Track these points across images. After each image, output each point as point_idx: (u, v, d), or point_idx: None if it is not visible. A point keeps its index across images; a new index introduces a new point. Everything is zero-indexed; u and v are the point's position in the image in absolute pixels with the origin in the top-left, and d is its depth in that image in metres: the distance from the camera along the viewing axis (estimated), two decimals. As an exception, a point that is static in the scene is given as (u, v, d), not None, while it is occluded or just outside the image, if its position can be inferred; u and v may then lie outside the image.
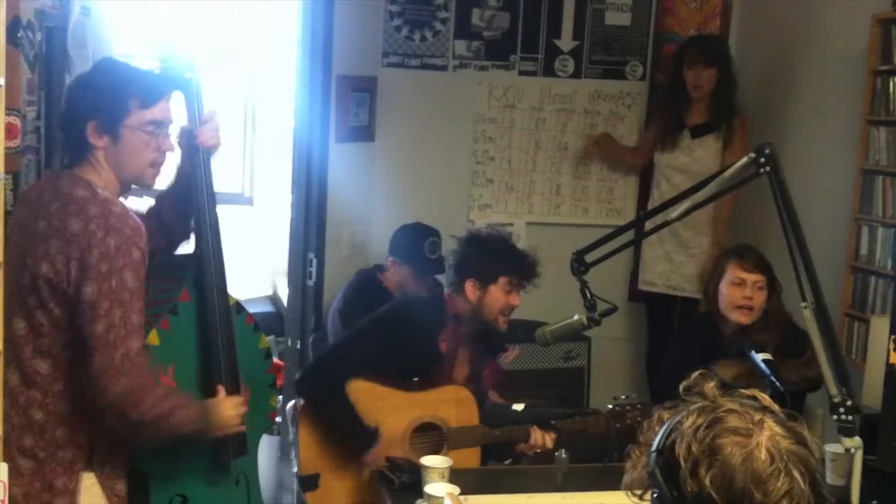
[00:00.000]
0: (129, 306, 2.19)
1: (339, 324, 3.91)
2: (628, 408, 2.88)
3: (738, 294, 3.26)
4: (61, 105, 2.37)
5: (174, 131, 2.41)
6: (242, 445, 2.55)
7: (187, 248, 2.59)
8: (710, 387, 1.45)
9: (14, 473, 2.18)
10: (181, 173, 2.52)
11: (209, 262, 2.47)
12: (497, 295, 3.09)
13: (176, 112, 2.42)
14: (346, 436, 3.00)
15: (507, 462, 3.15)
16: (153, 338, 2.35)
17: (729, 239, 4.47)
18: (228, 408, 2.42)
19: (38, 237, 2.19)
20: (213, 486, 2.53)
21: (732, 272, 3.29)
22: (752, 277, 3.26)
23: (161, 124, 2.32)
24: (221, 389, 2.43)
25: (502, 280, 3.09)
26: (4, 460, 2.15)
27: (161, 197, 2.57)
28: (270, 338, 5.23)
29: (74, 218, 2.19)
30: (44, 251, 2.18)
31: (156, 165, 2.35)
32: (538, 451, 3.03)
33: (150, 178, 2.37)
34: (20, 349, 2.21)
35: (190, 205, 2.51)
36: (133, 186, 2.38)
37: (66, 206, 2.20)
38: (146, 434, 2.27)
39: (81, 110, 2.26)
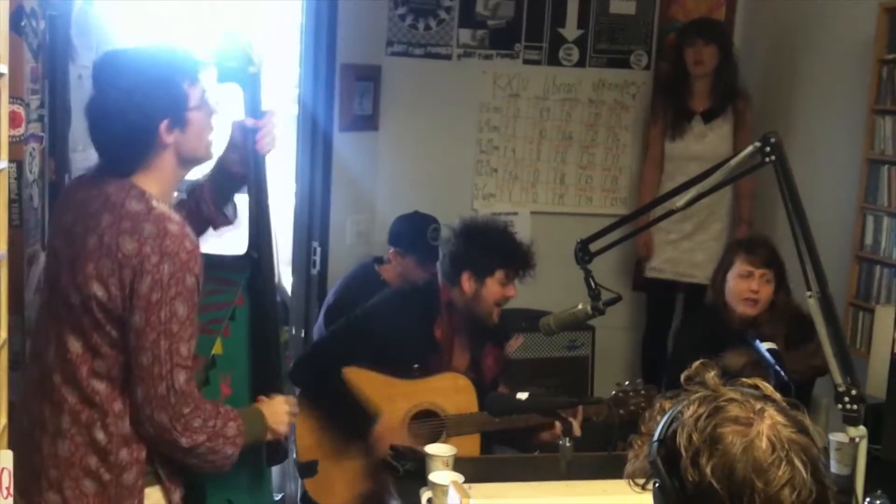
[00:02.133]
0: (177, 337, 2.08)
1: (322, 321, 3.87)
2: (631, 394, 2.88)
3: (745, 286, 3.25)
4: (103, 118, 2.12)
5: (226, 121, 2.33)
6: (285, 448, 2.50)
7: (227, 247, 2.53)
8: (712, 376, 1.45)
9: (78, 494, 2.13)
10: (222, 161, 2.43)
11: (265, 265, 2.39)
12: (493, 287, 3.08)
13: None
14: (346, 418, 2.99)
15: (535, 454, 3.14)
16: (217, 347, 2.29)
17: (752, 214, 4.46)
18: (282, 411, 2.36)
19: (89, 253, 2.08)
20: (256, 487, 2.49)
21: (740, 264, 3.28)
22: (759, 271, 3.25)
23: (205, 93, 2.21)
24: (262, 399, 2.36)
25: (499, 273, 3.07)
26: (68, 481, 2.13)
27: (199, 186, 2.48)
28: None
29: (128, 237, 2.06)
30: (95, 271, 2.07)
31: (212, 136, 2.26)
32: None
33: (210, 152, 2.28)
34: (76, 369, 2.12)
35: (226, 193, 2.45)
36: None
37: (118, 222, 2.08)
38: (201, 456, 2.17)
39: (150, 114, 2.10)
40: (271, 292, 2.41)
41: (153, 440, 2.15)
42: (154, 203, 2.12)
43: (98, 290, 2.07)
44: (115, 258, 2.06)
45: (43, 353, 2.18)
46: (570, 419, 2.85)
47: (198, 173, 2.47)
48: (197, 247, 2.14)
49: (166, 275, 2.06)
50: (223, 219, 2.51)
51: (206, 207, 2.46)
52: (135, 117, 2.09)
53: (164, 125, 2.12)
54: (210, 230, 2.53)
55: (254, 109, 2.38)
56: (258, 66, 2.35)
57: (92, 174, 2.22)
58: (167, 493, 2.22)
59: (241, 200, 2.54)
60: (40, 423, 2.16)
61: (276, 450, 2.47)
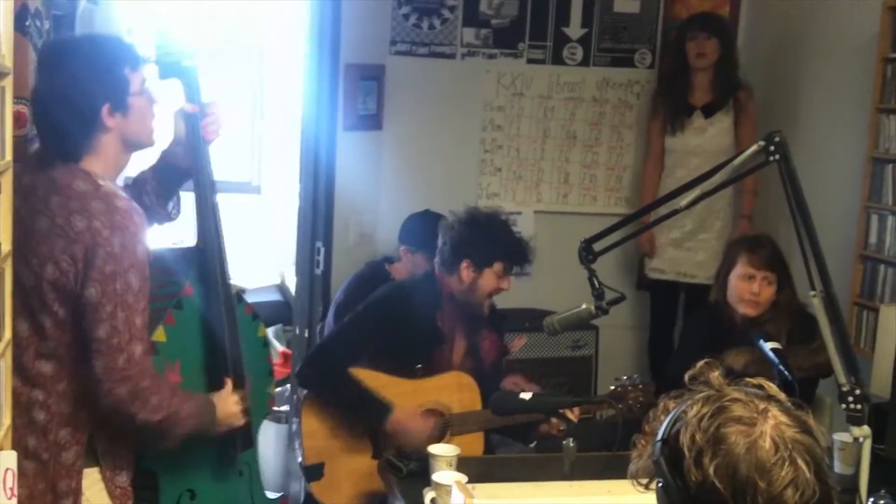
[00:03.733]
0: (132, 308, 2.15)
1: (332, 320, 3.88)
2: (630, 388, 2.88)
3: (747, 288, 3.24)
4: (48, 103, 2.19)
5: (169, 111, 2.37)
6: (249, 438, 2.54)
7: (183, 240, 2.56)
8: (716, 375, 1.45)
9: (18, 475, 2.14)
10: (166, 155, 2.47)
11: (212, 255, 2.43)
12: (490, 278, 3.11)
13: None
14: (360, 412, 3.00)
15: (532, 446, 3.16)
16: (159, 335, 2.33)
17: (754, 209, 4.45)
18: (231, 402, 2.40)
19: (41, 236, 2.14)
20: (220, 479, 2.53)
21: (742, 266, 3.26)
22: (761, 273, 3.24)
23: (145, 81, 2.28)
24: (229, 382, 2.42)
25: (498, 265, 3.10)
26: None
27: (142, 178, 2.52)
28: (278, 326, 5.26)
29: (77, 215, 2.13)
30: (48, 252, 2.13)
31: (154, 123, 2.32)
32: (562, 429, 3.02)
33: (153, 138, 2.34)
34: (22, 351, 2.16)
35: (170, 187, 2.48)
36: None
37: (67, 202, 2.14)
38: (153, 434, 2.24)
39: (93, 99, 2.17)
40: (223, 283, 2.45)
41: (107, 415, 2.19)
42: (100, 182, 2.19)
43: (50, 270, 2.13)
44: (66, 236, 2.12)
45: None
46: (570, 415, 2.86)
47: (141, 166, 2.52)
48: (145, 220, 2.21)
49: (118, 246, 2.12)
50: (164, 214, 2.55)
51: (147, 199, 2.49)
52: (78, 102, 2.17)
53: (105, 109, 2.19)
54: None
55: (194, 99, 2.43)
56: (193, 59, 2.42)
57: (36, 160, 2.26)
58: (108, 475, 2.26)
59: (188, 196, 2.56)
60: None
61: (246, 440, 2.51)
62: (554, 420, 3.00)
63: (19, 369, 2.16)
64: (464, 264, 3.10)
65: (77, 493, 2.22)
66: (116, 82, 2.20)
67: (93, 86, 2.18)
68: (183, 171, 2.48)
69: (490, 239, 3.12)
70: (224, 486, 2.54)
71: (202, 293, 2.44)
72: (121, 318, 2.13)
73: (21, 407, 2.16)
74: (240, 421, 2.44)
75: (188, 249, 2.50)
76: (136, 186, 2.51)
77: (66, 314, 2.16)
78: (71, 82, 2.16)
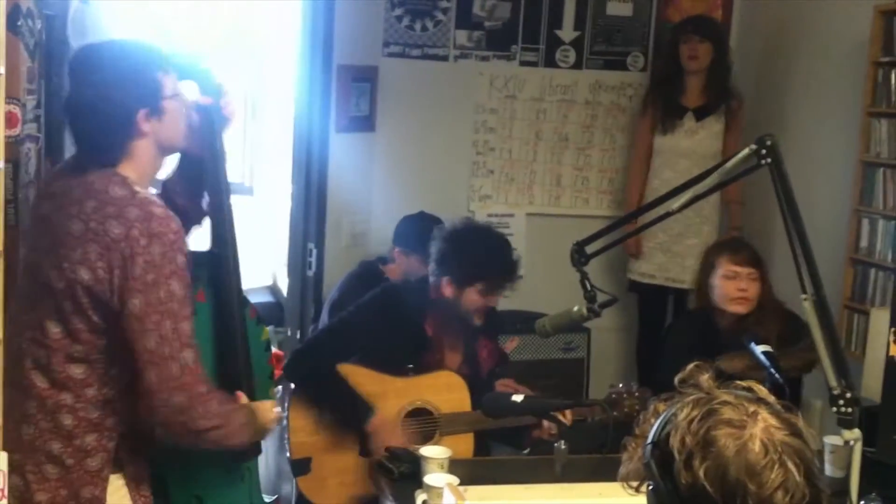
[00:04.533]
0: (178, 315, 2.10)
1: (326, 318, 3.89)
2: (625, 395, 2.88)
3: (733, 287, 3.25)
4: (83, 110, 2.16)
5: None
6: (258, 444, 2.51)
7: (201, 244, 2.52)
8: (706, 378, 1.45)
9: (40, 479, 2.14)
10: (188, 155, 2.44)
11: (227, 259, 2.40)
12: (472, 296, 3.09)
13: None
14: (341, 413, 3.00)
15: (525, 452, 3.16)
16: None
17: (742, 220, 4.47)
18: (269, 411, 2.38)
19: (74, 239, 2.10)
20: (226, 484, 2.50)
21: (725, 266, 3.28)
22: (746, 270, 3.26)
23: (177, 83, 2.27)
24: (242, 395, 2.36)
25: (478, 285, 3.07)
26: (30, 465, 2.14)
27: (170, 183, 2.49)
28: (270, 328, 5.25)
29: (114, 221, 2.08)
30: (82, 256, 2.08)
31: (185, 126, 2.30)
32: (554, 433, 3.03)
33: (185, 141, 2.32)
34: (52, 353, 2.13)
35: (198, 186, 2.46)
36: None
37: (103, 207, 2.10)
38: (210, 443, 2.19)
39: (128, 105, 2.14)
40: (236, 288, 2.42)
41: (164, 425, 2.15)
42: (137, 188, 2.16)
43: (85, 275, 2.08)
44: (102, 242, 2.08)
45: (14, 340, 2.16)
46: (562, 418, 2.86)
47: (163, 173, 2.48)
48: (181, 228, 2.18)
49: (157, 255, 2.08)
50: (200, 211, 2.51)
51: (180, 201, 2.45)
52: (113, 108, 2.14)
53: (141, 114, 2.16)
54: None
55: (211, 98, 2.41)
56: (207, 61, 2.41)
57: (70, 166, 2.24)
58: (132, 485, 2.23)
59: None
60: (5, 408, 2.14)
61: (257, 447, 2.49)
62: (546, 424, 3.01)
63: (47, 371, 2.14)
64: (444, 280, 3.09)
65: (101, 501, 2.18)
66: (150, 87, 2.18)
67: (128, 91, 2.15)
68: (202, 161, 2.44)
69: (471, 260, 3.07)
70: (229, 492, 2.51)
71: (215, 299, 2.40)
72: (168, 326, 2.09)
73: (46, 410, 2.14)
74: (274, 426, 2.41)
75: (201, 254, 2.44)
76: (166, 192, 2.46)
77: (99, 320, 2.12)
78: (105, 89, 2.13)
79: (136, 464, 2.25)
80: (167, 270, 2.09)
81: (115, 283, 2.08)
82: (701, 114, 4.46)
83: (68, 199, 2.15)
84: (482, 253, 3.10)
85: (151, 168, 2.25)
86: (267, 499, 2.78)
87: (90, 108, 2.15)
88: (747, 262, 3.27)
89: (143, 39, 2.31)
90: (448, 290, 3.09)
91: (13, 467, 2.12)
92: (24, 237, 2.29)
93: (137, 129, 2.17)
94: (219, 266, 2.41)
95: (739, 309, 3.25)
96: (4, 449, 2.10)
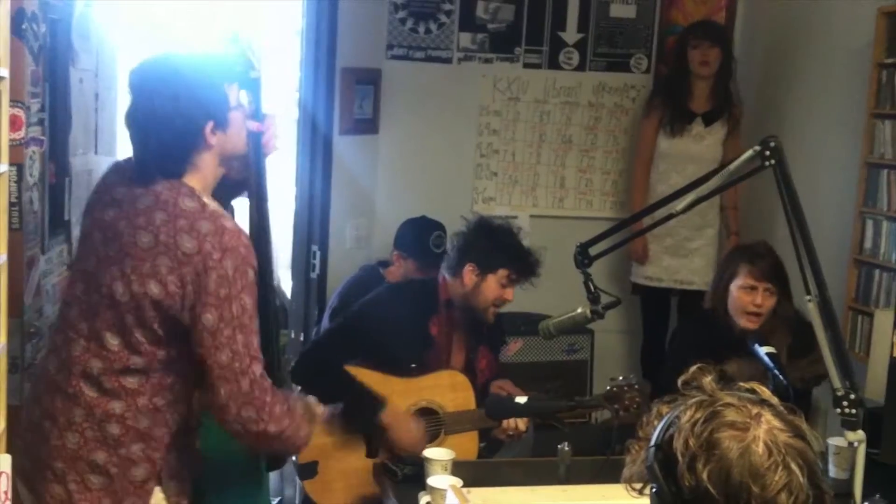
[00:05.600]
0: (248, 330, 2.11)
1: (326, 323, 3.88)
2: (626, 388, 2.87)
3: (749, 300, 3.21)
4: (150, 125, 2.14)
5: None
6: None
7: None
8: (709, 381, 1.45)
9: (82, 488, 2.13)
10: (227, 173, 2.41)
11: (266, 271, 2.37)
12: (493, 285, 3.10)
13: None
14: (353, 407, 2.99)
15: (482, 445, 3.16)
16: None
17: (740, 224, 4.47)
18: (317, 404, 2.41)
19: (143, 252, 2.08)
20: (256, 491, 2.52)
21: (744, 277, 3.23)
22: (763, 285, 3.22)
23: (239, 93, 2.27)
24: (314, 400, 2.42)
25: (501, 272, 3.10)
26: (72, 474, 2.13)
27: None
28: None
29: (186, 235, 2.07)
30: (151, 269, 2.07)
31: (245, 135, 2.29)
32: (511, 434, 3.06)
33: (245, 149, 2.31)
34: (109, 365, 2.13)
35: (225, 199, 2.42)
36: None
37: (173, 220, 2.09)
38: (285, 440, 2.22)
39: (196, 118, 2.13)
40: (272, 297, 2.42)
41: (237, 435, 2.17)
42: (206, 200, 2.15)
43: (154, 288, 2.07)
44: (173, 256, 2.07)
45: (64, 347, 2.17)
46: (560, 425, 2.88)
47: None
48: (250, 242, 2.17)
49: (230, 269, 2.08)
50: None
51: None
52: (181, 122, 2.12)
53: (209, 127, 2.15)
54: None
55: (257, 113, 2.38)
56: (258, 70, 2.36)
57: (132, 173, 2.20)
58: (172, 497, 2.22)
59: (240, 206, 2.54)
60: (51, 416, 2.16)
61: (277, 455, 2.49)
62: (504, 424, 3.01)
63: (98, 381, 2.13)
64: (468, 267, 3.11)
65: None
66: (217, 99, 2.17)
67: (195, 105, 2.13)
68: (239, 184, 2.44)
69: (497, 245, 3.13)
70: (257, 498, 2.53)
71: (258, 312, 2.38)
72: (240, 341, 2.10)
73: (94, 419, 2.13)
74: (321, 420, 2.46)
75: None
76: None
77: (164, 332, 2.12)
78: (172, 102, 2.11)
79: (179, 478, 2.23)
80: (239, 285, 2.09)
81: (187, 297, 2.07)
82: (709, 119, 4.46)
83: (133, 209, 2.13)
84: (510, 241, 3.15)
85: (213, 178, 2.24)
86: (273, 501, 2.79)
87: (159, 121, 2.12)
88: (766, 276, 3.21)
89: (210, 51, 2.32)
90: (469, 278, 3.10)
91: (56, 476, 2.13)
92: (82, 242, 2.26)
93: (205, 141, 2.15)
94: (258, 276, 2.35)
95: (750, 325, 3.20)
96: (47, 458, 2.13)
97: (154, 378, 2.15)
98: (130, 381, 2.14)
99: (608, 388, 2.91)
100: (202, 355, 2.10)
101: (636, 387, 2.87)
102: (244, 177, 2.41)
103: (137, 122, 2.17)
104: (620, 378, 2.93)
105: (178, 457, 2.22)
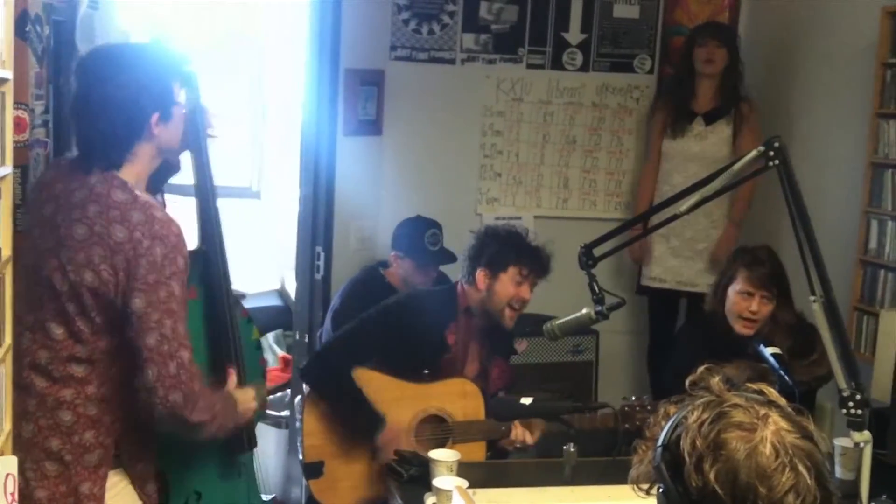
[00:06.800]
0: (177, 315, 2.18)
1: (329, 325, 3.88)
2: (637, 408, 2.88)
3: (745, 306, 3.21)
4: (96, 111, 2.19)
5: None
6: (254, 437, 2.59)
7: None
8: (716, 381, 1.45)
9: (39, 476, 2.20)
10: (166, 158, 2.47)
11: (215, 257, 2.47)
12: (506, 284, 3.11)
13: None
14: (354, 418, 3.00)
15: (488, 454, 3.16)
16: None
17: (742, 217, 4.44)
18: (249, 396, 2.45)
19: (78, 243, 2.15)
20: (224, 479, 2.57)
21: (741, 282, 3.23)
22: (759, 293, 3.21)
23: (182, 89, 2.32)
24: (233, 376, 2.45)
25: (512, 269, 3.11)
26: (29, 462, 2.18)
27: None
28: (279, 331, 5.26)
29: (118, 225, 2.14)
30: (86, 259, 2.14)
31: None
32: (518, 446, 3.08)
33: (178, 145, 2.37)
34: (55, 354, 2.20)
35: (156, 183, 2.48)
36: None
37: (106, 211, 2.16)
38: (203, 434, 2.28)
39: (144, 108, 2.20)
40: (225, 285, 2.49)
41: (162, 420, 2.21)
42: (138, 192, 2.21)
43: (89, 277, 2.15)
44: (106, 245, 2.14)
45: (14, 341, 2.20)
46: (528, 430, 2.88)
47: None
48: (182, 230, 2.23)
49: (159, 256, 2.15)
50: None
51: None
52: (133, 109, 2.19)
53: (155, 118, 2.22)
54: None
55: (195, 104, 2.43)
56: (193, 64, 2.42)
57: (69, 166, 2.28)
58: (138, 483, 2.30)
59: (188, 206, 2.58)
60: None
61: (252, 440, 2.57)
62: (513, 435, 3.02)
63: (48, 371, 2.20)
64: (480, 272, 3.14)
65: (100, 498, 2.24)
66: (165, 91, 2.23)
67: (147, 95, 2.20)
68: (172, 166, 2.48)
69: (504, 244, 3.16)
70: (226, 487, 2.57)
71: (206, 296, 2.47)
72: (168, 325, 2.16)
73: (47, 407, 2.20)
74: (250, 416, 2.48)
75: (192, 252, 2.47)
76: None
77: (103, 321, 2.19)
78: (122, 91, 2.18)
79: (142, 463, 2.31)
80: (168, 272, 2.16)
81: (119, 284, 2.14)
82: (710, 118, 4.45)
83: (69, 202, 2.20)
84: (517, 239, 3.19)
85: (148, 170, 2.30)
86: (265, 497, 2.80)
87: (108, 107, 2.18)
88: (763, 284, 3.20)
89: (160, 44, 2.37)
90: (482, 282, 3.12)
91: None
92: (25, 238, 2.31)
93: (149, 131, 2.22)
94: (208, 264, 2.48)
95: (745, 331, 3.21)
96: (6, 448, 2.14)
97: (100, 367, 2.22)
98: (77, 370, 2.21)
99: (621, 406, 2.91)
100: (133, 339, 2.16)
101: (648, 407, 2.87)
102: (176, 160, 2.46)
103: (89, 105, 2.22)
104: (633, 398, 2.94)
105: (137, 443, 2.30)
